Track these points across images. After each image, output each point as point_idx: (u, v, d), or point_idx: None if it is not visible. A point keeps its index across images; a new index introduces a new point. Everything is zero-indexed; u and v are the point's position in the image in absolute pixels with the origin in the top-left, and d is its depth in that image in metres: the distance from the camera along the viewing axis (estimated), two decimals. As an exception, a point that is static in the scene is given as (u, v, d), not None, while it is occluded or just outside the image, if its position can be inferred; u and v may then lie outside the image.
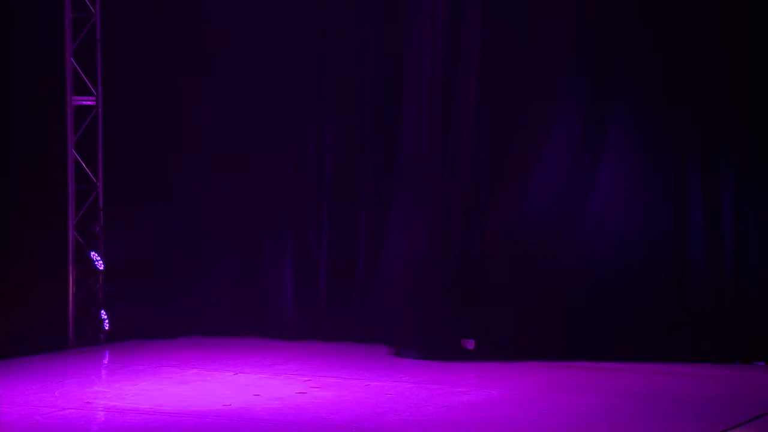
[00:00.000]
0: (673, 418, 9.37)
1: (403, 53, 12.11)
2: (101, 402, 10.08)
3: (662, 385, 10.49)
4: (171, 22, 13.01)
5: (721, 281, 11.26)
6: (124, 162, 13.03)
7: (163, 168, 13.08)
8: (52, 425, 9.24)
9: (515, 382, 10.60)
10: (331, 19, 12.72)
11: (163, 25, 12.99)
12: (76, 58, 12.82)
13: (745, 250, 11.18)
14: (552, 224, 11.56)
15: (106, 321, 12.85)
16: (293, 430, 9.12)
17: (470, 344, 11.33)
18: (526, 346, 11.40)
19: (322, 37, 12.79)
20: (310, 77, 12.86)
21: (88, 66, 12.88)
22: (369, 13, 12.57)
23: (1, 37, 12.07)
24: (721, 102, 11.22)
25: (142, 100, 12.96)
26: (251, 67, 13.00)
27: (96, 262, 12.85)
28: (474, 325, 11.44)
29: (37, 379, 10.94)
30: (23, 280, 12.13)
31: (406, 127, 11.95)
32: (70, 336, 12.73)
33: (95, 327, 12.86)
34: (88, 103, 12.94)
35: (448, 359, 11.37)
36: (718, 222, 11.27)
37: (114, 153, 13.01)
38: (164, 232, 13.03)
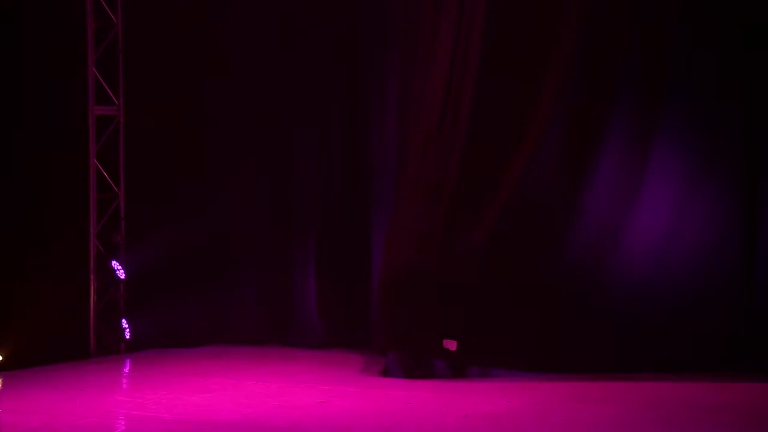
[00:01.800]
0: (700, 428, 9.30)
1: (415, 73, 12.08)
2: (122, 410, 10.08)
3: (688, 395, 10.40)
4: (192, 31, 13.03)
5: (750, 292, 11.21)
6: (146, 171, 13.06)
7: (185, 177, 13.10)
8: (73, 434, 9.27)
9: (536, 392, 10.53)
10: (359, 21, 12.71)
11: (185, 33, 13.01)
12: (98, 68, 12.87)
13: None
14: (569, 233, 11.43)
15: (127, 330, 12.87)
16: (313, 440, 9.14)
17: (452, 345, 11.14)
18: (546, 357, 11.26)
19: (353, 37, 12.76)
20: (341, 79, 12.83)
21: (110, 75, 12.93)
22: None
23: (24, 46, 12.14)
24: None
25: (163, 108, 12.99)
26: (276, 71, 12.99)
27: (117, 271, 12.88)
28: (486, 335, 11.26)
29: (58, 387, 10.96)
30: (45, 290, 12.17)
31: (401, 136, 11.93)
32: (92, 345, 12.76)
33: (116, 336, 12.88)
34: (110, 112, 12.98)
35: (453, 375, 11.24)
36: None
37: (135, 162, 13.05)
38: (187, 240, 13.04)
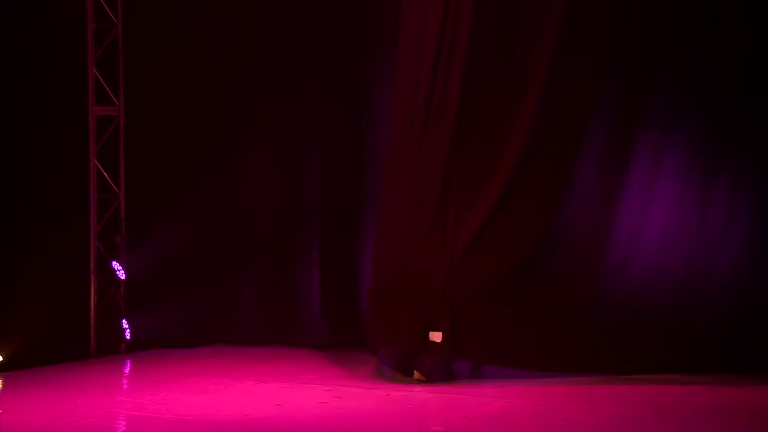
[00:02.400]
0: (701, 429, 9.29)
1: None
2: (122, 411, 10.09)
3: (689, 396, 10.39)
4: (193, 31, 13.02)
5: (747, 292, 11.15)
6: (146, 171, 13.06)
7: (186, 177, 13.09)
8: (74, 434, 9.27)
9: (536, 392, 10.52)
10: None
11: (185, 33, 13.00)
12: (98, 68, 12.86)
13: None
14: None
15: (128, 330, 12.87)
16: (314, 440, 9.13)
17: (438, 337, 10.94)
18: (549, 357, 11.19)
19: (357, 36, 12.71)
20: (342, 79, 12.79)
21: (110, 76, 12.93)
22: None
23: (24, 46, 12.13)
24: None
25: (163, 108, 12.99)
26: (276, 71, 12.97)
27: (117, 272, 12.88)
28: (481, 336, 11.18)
29: (59, 388, 10.96)
30: (45, 290, 12.17)
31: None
32: (92, 345, 12.75)
33: (116, 337, 12.88)
34: (110, 113, 12.98)
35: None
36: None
37: (136, 162, 13.05)
38: (188, 240, 13.03)
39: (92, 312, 12.79)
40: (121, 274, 12.91)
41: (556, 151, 11.15)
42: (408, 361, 11.18)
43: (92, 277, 12.83)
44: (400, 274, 11.14)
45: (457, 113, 11.18)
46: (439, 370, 11.09)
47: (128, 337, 12.89)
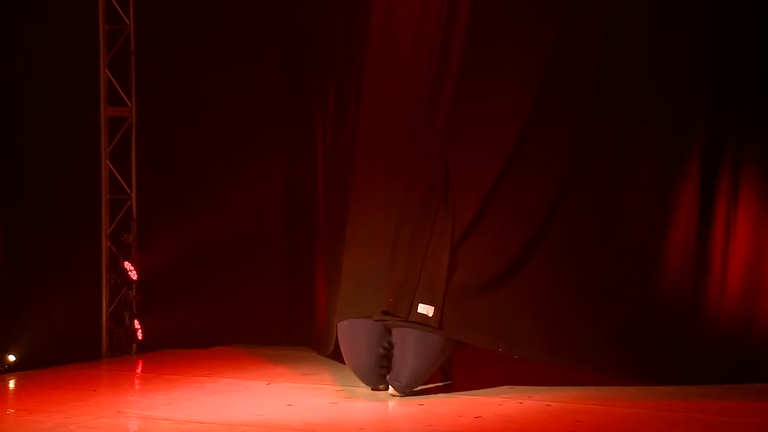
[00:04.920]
0: (710, 430, 9.29)
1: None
2: (134, 411, 10.11)
3: (701, 399, 10.37)
4: (205, 32, 13.05)
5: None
6: (158, 172, 13.10)
7: (197, 176, 13.13)
8: (86, 434, 9.30)
9: (546, 393, 10.53)
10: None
11: (196, 35, 13.04)
12: (110, 69, 12.91)
13: None
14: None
15: (140, 331, 12.91)
16: (325, 441, 9.14)
17: (430, 311, 10.44)
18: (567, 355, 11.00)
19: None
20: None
21: (122, 77, 12.97)
22: None
23: (36, 48, 12.18)
24: None
25: (175, 110, 13.02)
26: (283, 69, 13.00)
27: (129, 272, 12.92)
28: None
29: (71, 388, 11.00)
30: (57, 291, 12.22)
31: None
32: (104, 346, 12.80)
33: (128, 337, 12.92)
34: (122, 113, 13.02)
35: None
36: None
37: (148, 163, 13.09)
38: (199, 241, 13.06)
39: (104, 312, 12.84)
40: (133, 275, 12.95)
41: (544, 159, 10.75)
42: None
43: (104, 277, 12.87)
44: (386, 245, 10.69)
45: (458, 83, 10.70)
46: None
47: (140, 338, 12.93)
